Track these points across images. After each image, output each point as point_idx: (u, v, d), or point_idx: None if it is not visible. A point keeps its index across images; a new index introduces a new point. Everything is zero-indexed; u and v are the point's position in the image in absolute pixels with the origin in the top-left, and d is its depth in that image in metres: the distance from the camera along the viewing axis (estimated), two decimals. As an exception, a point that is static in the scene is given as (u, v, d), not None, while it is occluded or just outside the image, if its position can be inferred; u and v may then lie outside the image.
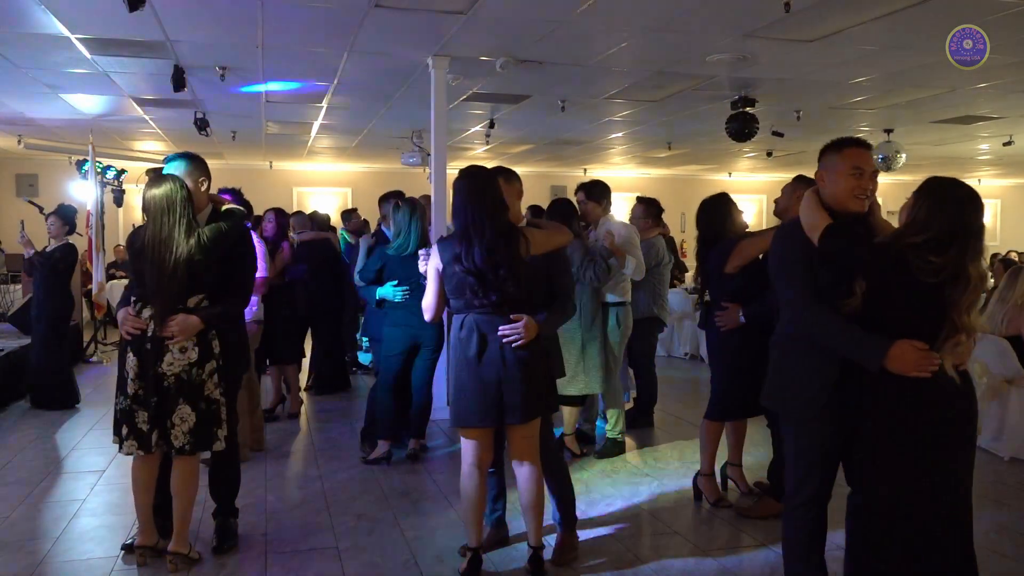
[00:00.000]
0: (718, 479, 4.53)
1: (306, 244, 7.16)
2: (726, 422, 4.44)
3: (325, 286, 7.06)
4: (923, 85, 7.68)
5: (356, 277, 5.31)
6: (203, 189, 3.63)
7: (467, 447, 3.40)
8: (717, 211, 4.38)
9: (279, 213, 6.62)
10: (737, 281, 4.16)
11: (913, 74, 7.20)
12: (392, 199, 5.48)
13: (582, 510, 4.32)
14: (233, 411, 3.70)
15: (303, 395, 7.12)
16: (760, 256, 4.19)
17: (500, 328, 3.23)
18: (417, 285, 5.01)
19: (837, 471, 2.86)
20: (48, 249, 6.88)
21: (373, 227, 7.09)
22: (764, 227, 4.70)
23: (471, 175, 3.37)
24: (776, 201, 4.33)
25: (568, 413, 5.30)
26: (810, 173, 4.44)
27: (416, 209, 5.03)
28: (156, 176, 3.51)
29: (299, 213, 8.14)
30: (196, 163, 3.63)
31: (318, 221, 7.95)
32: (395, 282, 5.00)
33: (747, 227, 4.59)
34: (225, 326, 3.54)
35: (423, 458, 5.29)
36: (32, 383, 7.02)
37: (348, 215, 9.49)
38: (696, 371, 8.90)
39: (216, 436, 3.49)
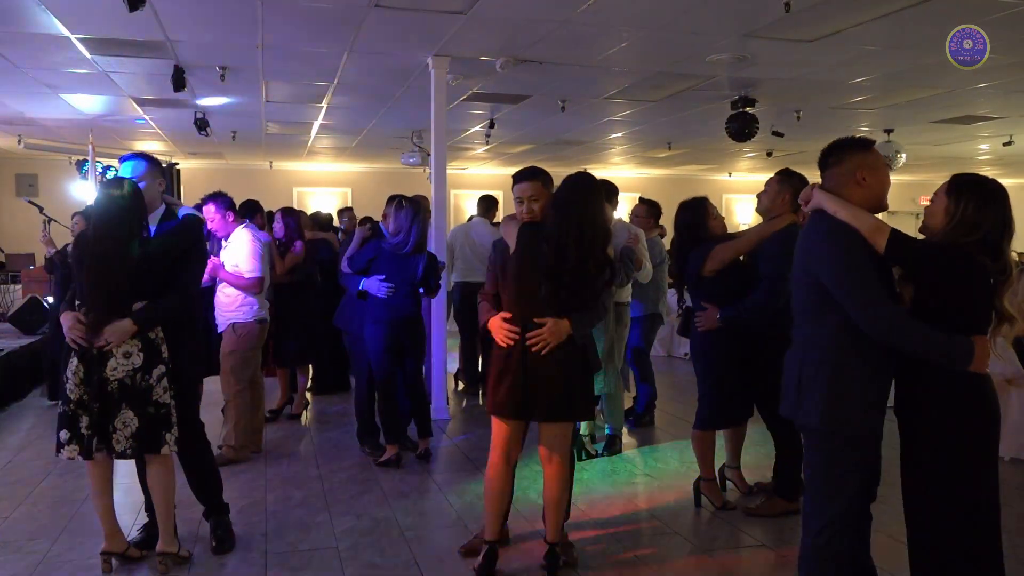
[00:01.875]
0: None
1: (311, 243, 7.14)
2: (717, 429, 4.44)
3: (322, 287, 7.05)
4: (923, 85, 7.69)
5: (343, 263, 5.23)
6: (161, 190, 3.65)
7: (497, 438, 3.41)
8: (692, 214, 4.33)
9: (287, 212, 6.60)
10: (715, 285, 4.15)
11: (913, 74, 7.20)
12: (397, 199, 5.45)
13: (582, 510, 4.33)
14: (195, 412, 3.64)
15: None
16: (739, 259, 4.19)
17: (528, 336, 3.25)
18: (405, 285, 5.00)
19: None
20: (70, 248, 6.88)
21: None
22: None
23: (589, 183, 3.38)
24: (759, 197, 4.25)
25: None
26: (811, 173, 4.43)
27: (420, 210, 5.01)
28: (109, 181, 3.46)
29: (300, 213, 8.10)
30: (155, 164, 3.63)
31: (319, 221, 7.94)
32: (382, 276, 4.95)
33: (726, 229, 4.55)
34: (165, 324, 3.42)
35: (431, 458, 5.29)
36: (48, 377, 7.03)
37: (341, 214, 9.45)
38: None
39: (164, 440, 3.39)
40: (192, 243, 3.60)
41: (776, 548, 3.85)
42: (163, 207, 3.65)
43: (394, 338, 5.00)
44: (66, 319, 3.33)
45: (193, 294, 3.66)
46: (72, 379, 3.31)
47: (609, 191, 5.32)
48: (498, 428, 3.41)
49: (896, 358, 2.68)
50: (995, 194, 2.62)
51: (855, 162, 2.70)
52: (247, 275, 5.04)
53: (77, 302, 3.40)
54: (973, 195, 2.61)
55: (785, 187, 4.09)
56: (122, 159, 3.65)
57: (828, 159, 2.76)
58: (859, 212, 2.63)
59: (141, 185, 3.49)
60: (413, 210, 4.95)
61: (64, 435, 3.33)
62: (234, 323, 5.06)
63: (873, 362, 2.64)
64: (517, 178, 3.42)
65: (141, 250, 3.32)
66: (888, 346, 2.60)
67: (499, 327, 3.32)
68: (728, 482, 4.61)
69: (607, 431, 5.47)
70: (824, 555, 2.73)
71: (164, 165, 3.77)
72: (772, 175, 4.26)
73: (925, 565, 2.77)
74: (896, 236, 2.59)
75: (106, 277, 3.30)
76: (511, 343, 3.29)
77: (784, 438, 4.30)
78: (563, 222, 3.26)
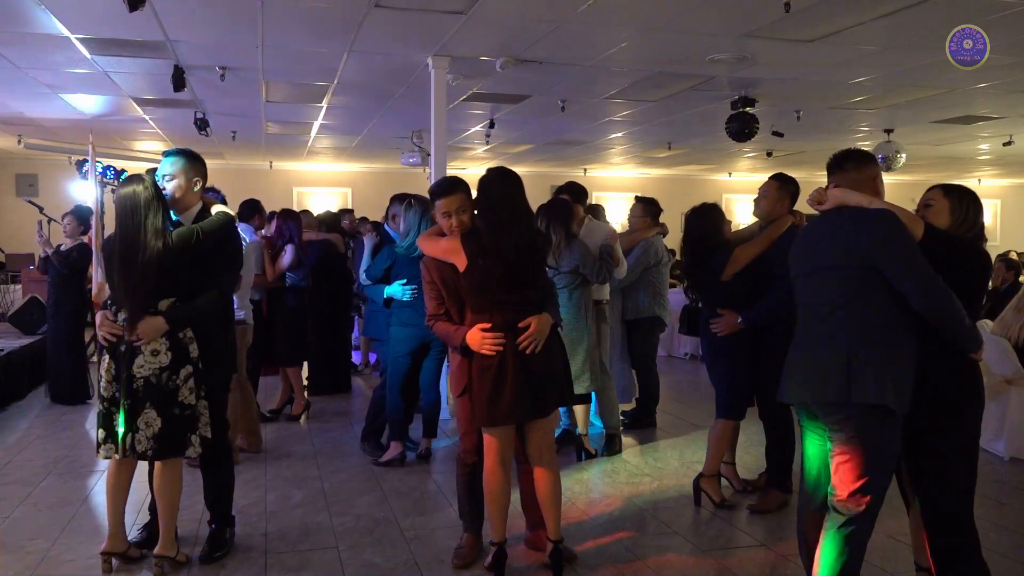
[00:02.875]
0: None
1: (308, 245, 7.12)
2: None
3: (322, 288, 7.03)
4: (923, 85, 7.68)
5: (362, 276, 5.29)
6: (196, 188, 3.56)
7: (491, 445, 3.41)
8: (712, 220, 4.41)
9: (284, 214, 6.57)
10: (734, 287, 4.21)
11: (913, 74, 7.20)
12: (404, 199, 5.43)
13: (582, 510, 4.33)
14: (221, 416, 3.62)
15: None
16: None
17: (520, 340, 3.27)
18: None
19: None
20: (64, 248, 6.91)
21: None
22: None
23: (504, 175, 3.42)
24: (757, 203, 4.38)
25: (580, 412, 5.31)
26: (810, 173, 4.47)
27: (428, 209, 5.01)
28: (127, 178, 3.45)
29: (306, 213, 7.97)
30: (192, 161, 3.56)
31: (326, 221, 7.93)
32: (403, 281, 4.98)
33: (731, 232, 4.62)
34: (196, 324, 3.41)
35: (431, 458, 5.28)
36: (50, 377, 7.07)
37: (342, 215, 9.43)
38: (696, 371, 8.90)
39: (190, 442, 3.39)
40: (223, 239, 3.51)
41: (775, 548, 3.85)
42: (200, 205, 3.59)
43: (420, 340, 5.02)
44: (99, 317, 3.38)
45: (228, 294, 3.64)
46: (104, 376, 3.34)
47: (578, 192, 5.42)
48: (491, 436, 3.40)
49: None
50: (979, 200, 2.98)
51: (873, 169, 2.97)
52: None
53: (109, 301, 3.41)
54: (972, 199, 2.94)
55: (785, 192, 4.32)
56: (165, 153, 3.60)
57: (846, 163, 2.97)
58: (893, 205, 2.83)
59: (174, 182, 3.48)
60: (421, 209, 4.95)
61: (101, 434, 3.35)
62: None
63: (915, 342, 2.77)
64: (439, 193, 3.44)
65: (163, 244, 3.29)
66: (932, 323, 2.72)
67: (482, 338, 3.29)
68: (723, 478, 4.62)
69: (602, 429, 5.47)
70: (860, 541, 2.81)
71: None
72: (768, 179, 4.40)
73: (944, 539, 2.88)
74: (930, 226, 2.81)
75: (130, 272, 3.30)
76: (500, 350, 3.29)
77: (779, 428, 4.34)
78: (505, 225, 3.30)
